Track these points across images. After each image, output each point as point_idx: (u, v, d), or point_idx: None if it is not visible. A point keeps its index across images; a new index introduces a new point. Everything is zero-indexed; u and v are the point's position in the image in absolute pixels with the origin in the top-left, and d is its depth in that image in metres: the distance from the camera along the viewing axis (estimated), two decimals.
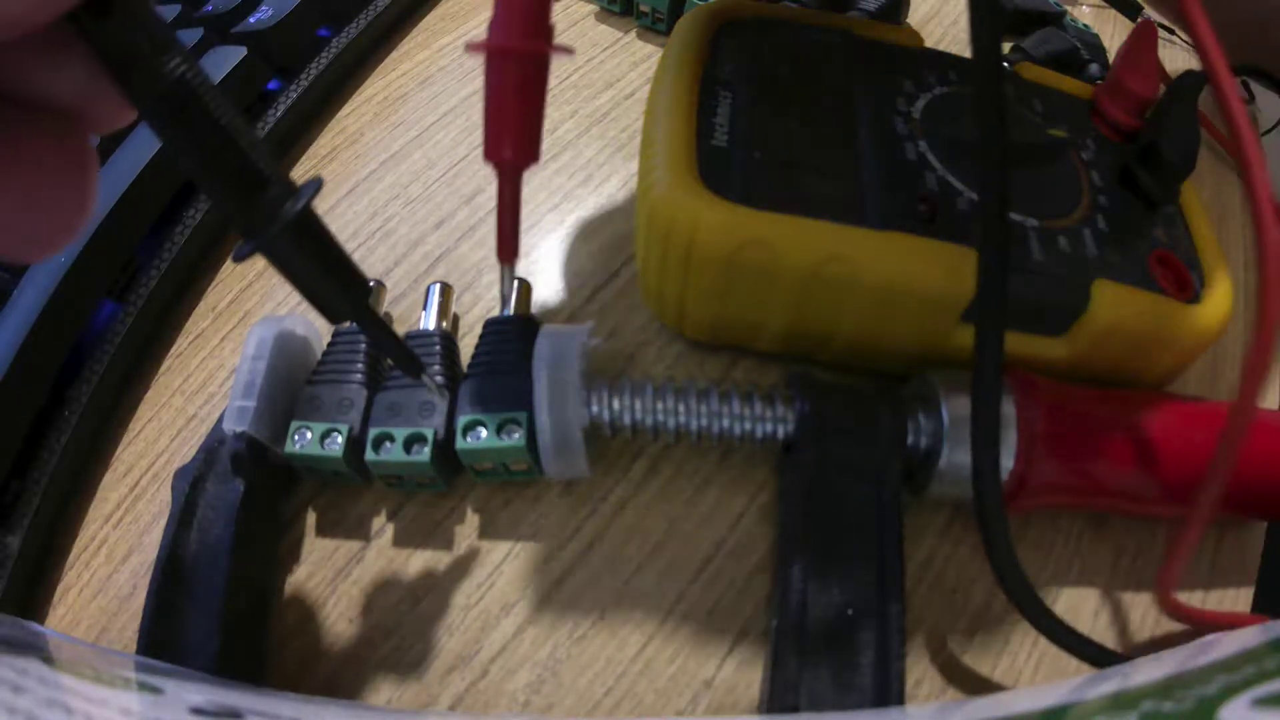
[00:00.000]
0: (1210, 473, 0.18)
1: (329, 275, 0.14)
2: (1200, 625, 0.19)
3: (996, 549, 0.18)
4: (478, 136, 0.28)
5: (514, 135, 0.17)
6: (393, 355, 0.17)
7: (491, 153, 0.17)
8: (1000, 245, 0.16)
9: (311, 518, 0.21)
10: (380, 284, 0.24)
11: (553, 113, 0.29)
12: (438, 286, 0.23)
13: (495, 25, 0.16)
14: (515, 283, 0.21)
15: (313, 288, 0.14)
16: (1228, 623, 0.19)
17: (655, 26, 0.32)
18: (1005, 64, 0.28)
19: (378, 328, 0.16)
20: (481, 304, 0.24)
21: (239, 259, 0.14)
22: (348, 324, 0.22)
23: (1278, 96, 0.29)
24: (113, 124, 0.13)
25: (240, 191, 0.13)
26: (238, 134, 0.13)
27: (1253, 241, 0.29)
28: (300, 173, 0.28)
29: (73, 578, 0.21)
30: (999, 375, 0.17)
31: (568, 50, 0.17)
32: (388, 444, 0.20)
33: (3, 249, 0.12)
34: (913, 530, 0.21)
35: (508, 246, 0.18)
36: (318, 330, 0.22)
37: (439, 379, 0.19)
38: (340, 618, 0.20)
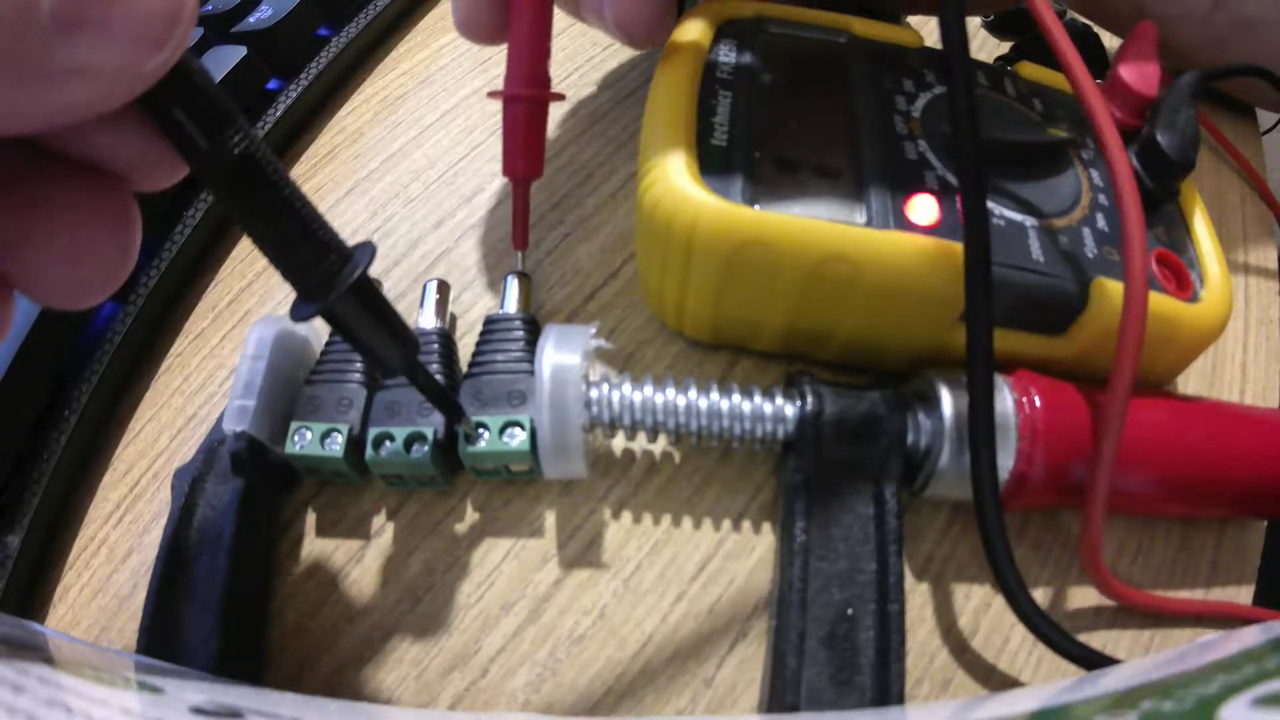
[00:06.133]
0: (1097, 456, 0.18)
1: (382, 334, 0.15)
2: (1128, 604, 0.20)
3: (994, 549, 0.18)
4: (477, 136, 0.29)
5: (524, 157, 0.22)
6: (440, 408, 0.18)
7: (507, 170, 0.23)
8: (979, 201, 0.16)
9: (311, 517, 0.21)
10: (377, 282, 0.24)
11: (553, 112, 0.29)
12: (434, 284, 0.23)
13: (509, 78, 0.22)
14: (523, 266, 0.24)
15: (367, 345, 0.15)
16: (1156, 607, 0.20)
17: None
18: (1005, 63, 0.29)
19: (427, 383, 0.17)
20: (481, 303, 0.24)
21: (298, 320, 0.14)
22: None
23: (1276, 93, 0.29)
24: (161, 184, 0.13)
25: (299, 258, 0.14)
26: (299, 206, 0.13)
27: (1253, 242, 0.29)
28: (299, 172, 0.28)
29: (73, 578, 0.21)
30: (989, 360, 0.17)
31: (560, 97, 0.23)
32: (388, 443, 0.20)
33: (46, 299, 0.13)
34: (913, 530, 0.21)
35: (521, 238, 0.23)
36: (317, 329, 0.22)
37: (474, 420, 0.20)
38: (340, 618, 0.20)
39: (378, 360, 0.16)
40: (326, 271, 0.14)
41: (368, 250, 0.15)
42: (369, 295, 0.15)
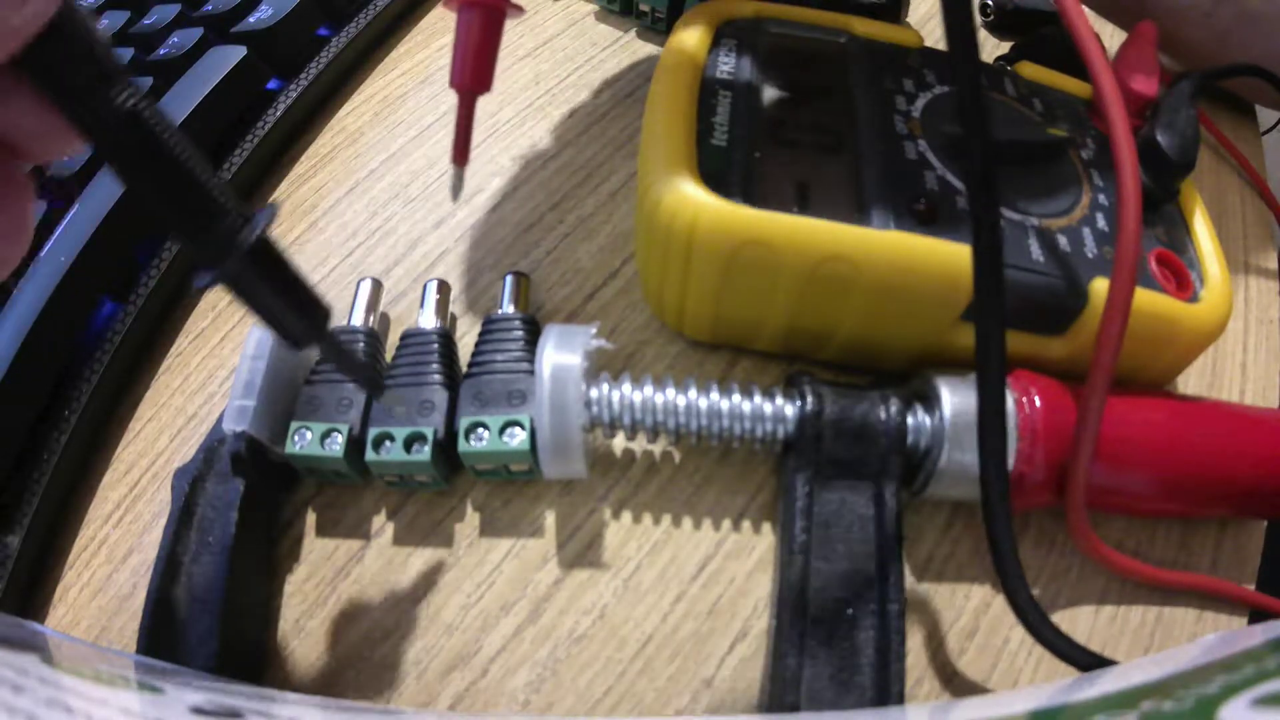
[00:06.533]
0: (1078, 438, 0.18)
1: (289, 302, 0.15)
2: (1117, 570, 0.20)
3: (1001, 551, 0.18)
4: (477, 136, 0.29)
5: (473, 68, 0.21)
6: (359, 382, 0.17)
7: (455, 81, 0.21)
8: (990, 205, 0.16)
9: (311, 517, 0.21)
10: (378, 283, 0.24)
11: (552, 111, 0.29)
12: (434, 284, 0.23)
13: None
14: (460, 183, 0.22)
15: (273, 315, 0.15)
16: (1148, 575, 0.20)
17: (655, 26, 0.32)
18: (1005, 63, 0.29)
19: (338, 352, 0.16)
20: (481, 303, 0.24)
21: (200, 288, 0.14)
22: (339, 326, 0.22)
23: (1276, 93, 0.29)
24: (54, 156, 0.13)
25: (196, 222, 0.13)
26: (192, 165, 0.13)
27: (1253, 242, 0.29)
28: (300, 172, 0.28)
29: (73, 578, 0.21)
30: (1002, 362, 0.17)
31: (519, 9, 0.21)
32: (388, 443, 0.20)
33: None
34: (913, 530, 0.21)
35: (461, 153, 0.22)
36: None
37: (402, 406, 0.19)
38: (340, 618, 0.20)
39: (284, 331, 0.15)
40: (225, 235, 0.13)
41: (268, 211, 0.14)
42: (271, 258, 0.14)
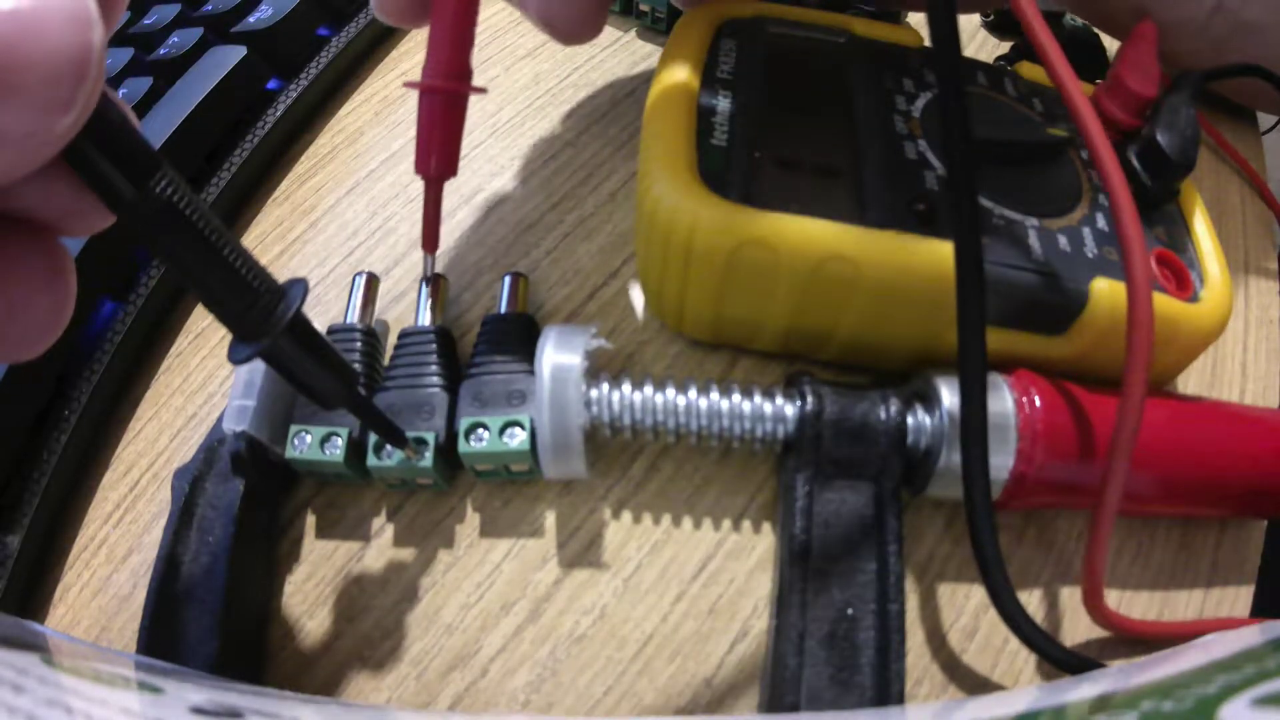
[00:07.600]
0: (1110, 466, 0.18)
1: (320, 369, 0.15)
2: (1132, 635, 0.19)
3: (984, 552, 0.18)
4: (477, 136, 0.29)
5: (438, 154, 0.21)
6: (382, 434, 0.18)
7: (420, 168, 0.21)
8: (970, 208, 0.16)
9: (311, 518, 0.21)
10: (374, 277, 0.23)
11: (552, 111, 0.29)
12: (428, 281, 0.23)
13: (426, 67, 0.20)
14: (433, 270, 0.23)
15: (305, 381, 0.15)
16: (1159, 633, 0.20)
17: (655, 26, 0.32)
18: (1005, 63, 0.29)
19: (367, 411, 0.18)
20: (481, 303, 0.24)
21: (237, 362, 0.14)
22: (344, 324, 0.22)
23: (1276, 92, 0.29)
24: (93, 230, 0.13)
25: (231, 301, 0.14)
26: (226, 248, 0.13)
27: (1253, 242, 0.29)
28: (300, 172, 0.28)
29: (73, 577, 0.21)
30: (982, 349, 0.17)
31: (482, 90, 0.21)
32: (388, 448, 0.20)
33: None
34: (913, 530, 0.21)
35: (431, 240, 0.22)
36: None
37: (421, 445, 0.20)
38: (340, 618, 0.20)
39: (317, 394, 0.16)
40: (261, 311, 0.14)
41: (300, 288, 0.14)
42: (304, 333, 0.15)
